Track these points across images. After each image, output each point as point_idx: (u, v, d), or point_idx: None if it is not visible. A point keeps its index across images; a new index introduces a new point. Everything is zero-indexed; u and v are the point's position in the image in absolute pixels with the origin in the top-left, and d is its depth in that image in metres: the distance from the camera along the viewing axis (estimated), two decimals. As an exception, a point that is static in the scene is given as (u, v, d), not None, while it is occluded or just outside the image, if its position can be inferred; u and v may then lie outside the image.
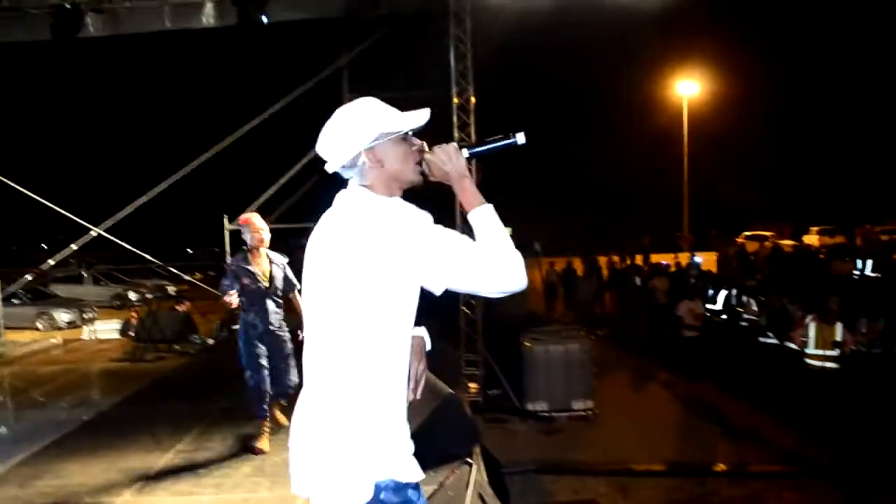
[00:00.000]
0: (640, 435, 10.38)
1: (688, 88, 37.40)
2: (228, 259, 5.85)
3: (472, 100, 10.73)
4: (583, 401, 11.15)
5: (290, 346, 5.92)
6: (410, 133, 2.19)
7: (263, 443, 5.73)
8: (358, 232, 2.02)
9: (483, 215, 2.08)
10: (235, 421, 6.75)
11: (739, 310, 13.63)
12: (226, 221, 13.22)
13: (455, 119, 10.67)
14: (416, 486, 2.08)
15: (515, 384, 11.55)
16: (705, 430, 10.53)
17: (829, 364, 9.79)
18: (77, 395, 8.59)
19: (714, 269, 20.32)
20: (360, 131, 2.12)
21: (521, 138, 2.21)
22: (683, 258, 24.38)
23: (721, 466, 9.18)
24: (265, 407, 5.77)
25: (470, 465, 3.73)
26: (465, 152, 2.20)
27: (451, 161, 2.15)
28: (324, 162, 2.18)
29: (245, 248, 5.82)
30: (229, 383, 8.67)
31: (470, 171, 2.18)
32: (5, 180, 11.74)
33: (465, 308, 11.13)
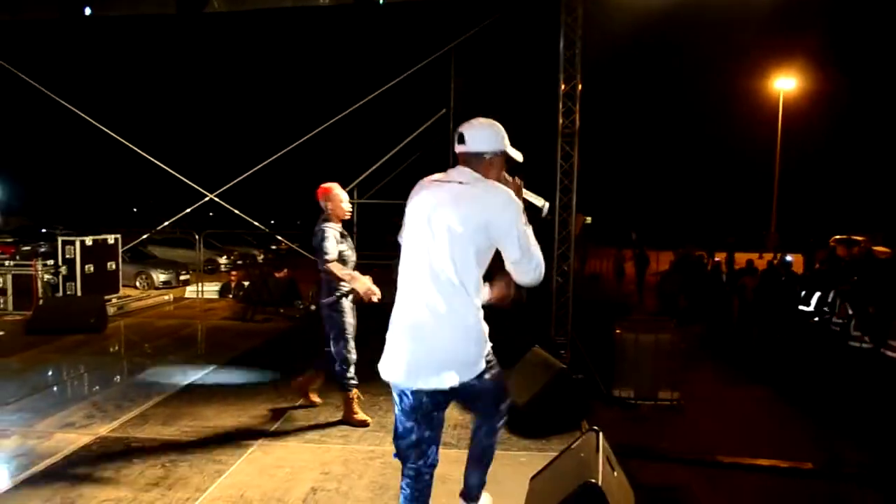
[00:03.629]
0: (725, 429, 10.41)
1: (785, 84, 36.46)
2: (326, 225, 5.49)
3: (579, 87, 10.88)
4: (669, 391, 11.24)
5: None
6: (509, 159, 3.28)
7: (362, 414, 5.83)
8: (489, 200, 3.07)
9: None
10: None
11: (828, 312, 13.46)
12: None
13: (560, 106, 10.84)
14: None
15: (602, 369, 11.72)
16: (794, 430, 10.51)
17: None
18: (197, 347, 9.18)
19: (800, 270, 19.96)
20: (498, 142, 3.24)
21: (545, 211, 3.38)
22: (768, 258, 23.96)
23: (808, 465, 9.18)
24: (352, 378, 5.74)
25: (597, 431, 3.98)
26: (523, 192, 3.28)
27: (513, 188, 3.19)
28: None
29: (326, 216, 5.60)
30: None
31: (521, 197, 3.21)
32: (124, 141, 12.40)
33: (556, 292, 11.34)
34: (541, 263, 3.09)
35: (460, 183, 3.14)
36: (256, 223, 14.03)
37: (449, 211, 3.07)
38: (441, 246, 3.07)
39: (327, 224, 5.52)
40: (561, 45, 10.86)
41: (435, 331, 3.04)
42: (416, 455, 3.17)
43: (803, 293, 14.66)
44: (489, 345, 3.19)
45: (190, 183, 12.66)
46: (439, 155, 13.54)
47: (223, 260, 25.36)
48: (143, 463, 4.94)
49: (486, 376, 3.17)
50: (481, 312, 3.14)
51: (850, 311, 12.39)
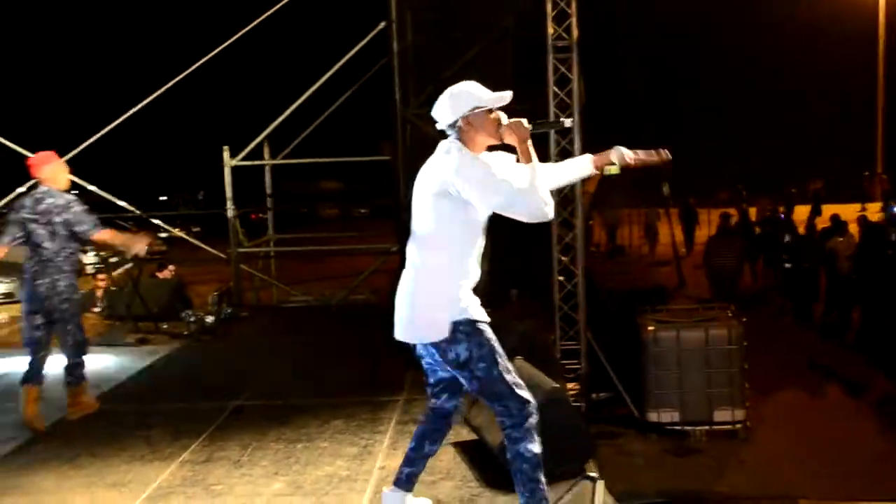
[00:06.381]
0: (812, 460, 10.49)
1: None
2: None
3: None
4: (730, 410, 11.29)
5: None
6: (496, 108, 4.44)
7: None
8: (446, 166, 4.34)
9: (529, 168, 4.27)
10: (255, 424, 7.19)
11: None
12: (226, 156, 13.63)
13: (549, 7, 10.75)
14: (487, 325, 4.41)
15: (633, 385, 11.75)
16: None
17: None
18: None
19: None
20: (458, 106, 4.42)
21: (567, 122, 4.84)
22: (874, 209, 24.14)
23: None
24: None
25: (593, 479, 3.97)
26: (527, 125, 4.36)
27: (518, 131, 4.36)
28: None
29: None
30: (241, 374, 9.12)
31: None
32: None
33: (561, 277, 11.31)
34: (537, 204, 4.19)
35: (435, 157, 4.47)
36: (124, 203, 13.91)
37: (421, 183, 4.47)
38: (418, 215, 4.49)
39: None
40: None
41: (406, 290, 4.50)
42: (427, 392, 4.82)
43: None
44: (464, 316, 4.35)
45: (21, 150, 12.53)
46: (381, 90, 13.45)
47: (89, 258, 25.09)
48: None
49: (456, 351, 4.34)
50: (453, 281, 4.41)
51: None
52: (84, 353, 7.47)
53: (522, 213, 4.23)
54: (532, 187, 4.20)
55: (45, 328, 7.30)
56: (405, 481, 4.84)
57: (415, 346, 4.60)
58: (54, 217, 7.12)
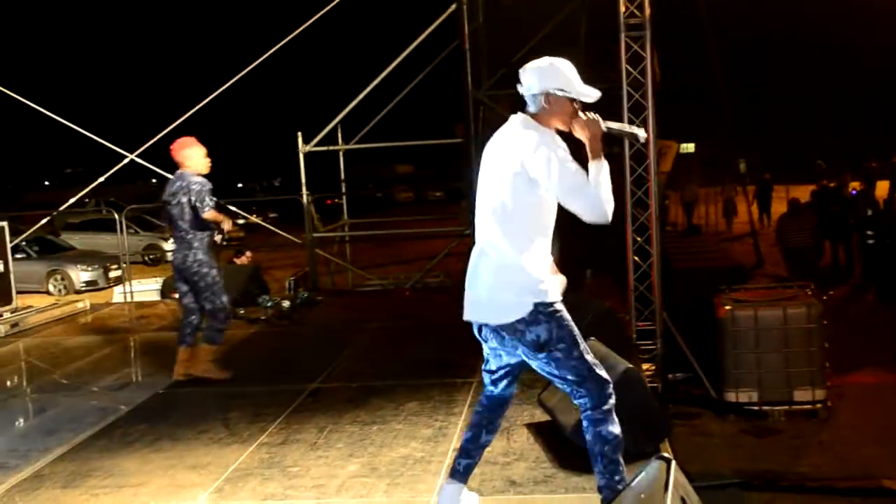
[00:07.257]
0: (893, 440, 10.27)
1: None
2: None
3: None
4: (810, 389, 11.11)
5: None
6: (578, 99, 4.34)
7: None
8: (523, 143, 4.25)
9: (596, 165, 4.21)
10: (331, 407, 7.21)
11: None
12: (300, 141, 13.73)
13: None
14: (561, 303, 4.31)
15: (709, 365, 11.61)
16: None
17: None
18: (120, 373, 9.21)
19: None
20: (546, 81, 4.31)
21: (642, 135, 4.47)
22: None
23: None
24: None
25: (668, 460, 3.90)
26: (603, 125, 4.32)
27: (591, 127, 4.28)
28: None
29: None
30: (317, 357, 9.18)
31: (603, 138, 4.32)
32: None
33: (636, 257, 11.22)
34: (600, 202, 4.14)
35: (508, 131, 4.42)
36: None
37: (495, 160, 4.42)
38: (493, 192, 4.38)
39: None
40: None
41: (483, 270, 4.41)
42: (486, 380, 4.72)
43: None
44: (545, 297, 4.25)
45: (102, 141, 12.73)
46: (453, 73, 13.43)
47: (169, 245, 25.65)
48: (34, 543, 4.99)
49: (537, 332, 4.24)
50: (534, 260, 4.29)
51: None
52: (220, 321, 8.20)
53: (586, 208, 4.13)
54: (598, 184, 4.14)
55: (190, 295, 8.12)
56: (462, 473, 4.71)
57: (480, 328, 4.50)
58: (181, 197, 7.83)
